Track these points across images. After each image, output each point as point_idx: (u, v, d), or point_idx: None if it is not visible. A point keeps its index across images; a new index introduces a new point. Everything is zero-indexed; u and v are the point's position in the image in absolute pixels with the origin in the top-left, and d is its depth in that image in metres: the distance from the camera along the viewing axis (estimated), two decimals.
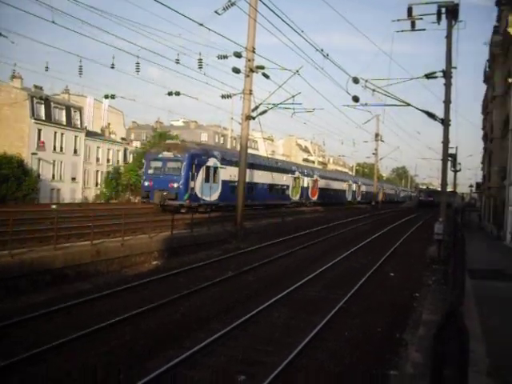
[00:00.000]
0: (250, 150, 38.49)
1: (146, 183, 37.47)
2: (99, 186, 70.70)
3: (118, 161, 77.01)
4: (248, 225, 31.72)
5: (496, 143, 42.03)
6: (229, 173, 40.42)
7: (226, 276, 17.66)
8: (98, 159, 73.15)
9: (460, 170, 57.28)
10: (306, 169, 66.64)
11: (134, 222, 25.79)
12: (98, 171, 72.47)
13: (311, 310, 13.79)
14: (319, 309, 13.71)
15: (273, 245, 27.03)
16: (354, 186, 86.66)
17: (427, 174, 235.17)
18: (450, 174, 36.51)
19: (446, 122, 24.72)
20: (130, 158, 77.97)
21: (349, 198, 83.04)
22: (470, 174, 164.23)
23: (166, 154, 37.04)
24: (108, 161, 75.42)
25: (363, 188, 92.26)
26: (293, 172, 58.08)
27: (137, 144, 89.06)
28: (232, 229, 28.57)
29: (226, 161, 40.82)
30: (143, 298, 14.05)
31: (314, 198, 65.51)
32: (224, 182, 40.26)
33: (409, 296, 16.18)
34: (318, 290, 16.52)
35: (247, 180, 35.11)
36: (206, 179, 37.97)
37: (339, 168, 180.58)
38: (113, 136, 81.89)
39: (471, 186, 73.99)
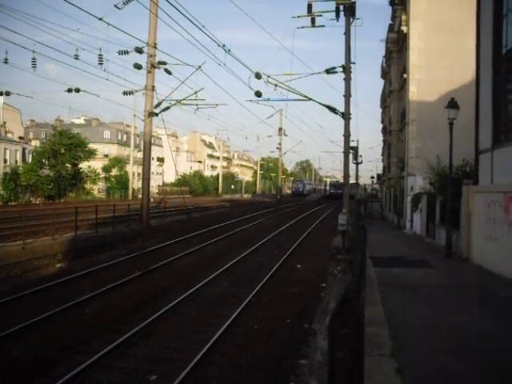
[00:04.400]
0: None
1: (294, 189, 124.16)
2: None
3: (16, 161, 73.93)
4: (154, 223, 31.37)
5: (394, 136, 43.82)
6: (310, 185, 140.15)
7: (133, 276, 17.34)
8: None
9: (361, 163, 58.75)
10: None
11: (36, 224, 24.87)
12: None
13: (220, 305, 13.79)
14: (228, 304, 13.74)
15: (179, 242, 26.78)
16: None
17: (330, 167, 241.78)
18: (352, 166, 37.49)
19: (346, 116, 25.35)
20: (30, 158, 75.04)
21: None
22: (371, 166, 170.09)
23: (297, 181, 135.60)
24: (5, 161, 72.30)
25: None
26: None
27: (36, 143, 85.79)
28: (137, 227, 28.13)
29: (309, 182, 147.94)
30: (48, 302, 13.52)
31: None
32: (308, 189, 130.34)
33: (316, 286, 16.51)
34: (226, 285, 16.55)
35: (315, 187, 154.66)
36: (303, 186, 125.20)
37: (244, 163, 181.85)
38: (9, 135, 78.48)
39: (372, 177, 76.45)
